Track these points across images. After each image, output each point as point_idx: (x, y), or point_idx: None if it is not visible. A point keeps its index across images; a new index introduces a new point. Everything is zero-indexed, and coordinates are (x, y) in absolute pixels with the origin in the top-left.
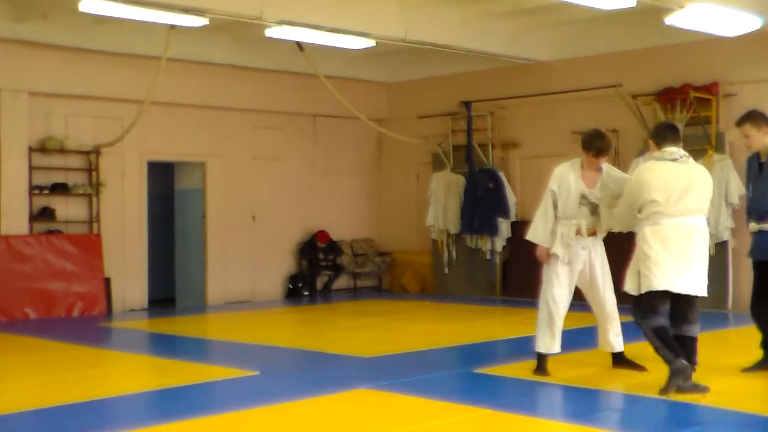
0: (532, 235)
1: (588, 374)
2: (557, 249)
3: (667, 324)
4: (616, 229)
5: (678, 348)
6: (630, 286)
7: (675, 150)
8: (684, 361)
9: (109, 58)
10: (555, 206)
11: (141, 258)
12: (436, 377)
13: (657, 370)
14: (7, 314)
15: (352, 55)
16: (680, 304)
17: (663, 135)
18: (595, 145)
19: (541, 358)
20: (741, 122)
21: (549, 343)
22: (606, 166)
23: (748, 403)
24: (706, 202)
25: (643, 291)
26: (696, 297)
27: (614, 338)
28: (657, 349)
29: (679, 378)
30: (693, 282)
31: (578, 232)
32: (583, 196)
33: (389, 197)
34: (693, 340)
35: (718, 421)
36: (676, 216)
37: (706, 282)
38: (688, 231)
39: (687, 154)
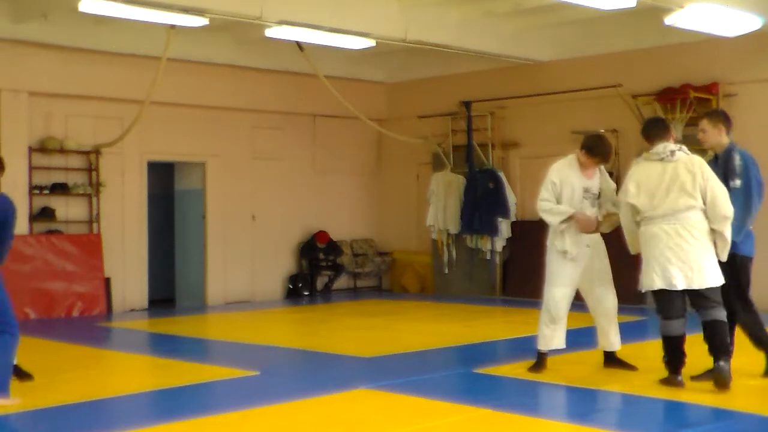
0: (558, 216)
1: (587, 374)
2: (566, 245)
3: (678, 332)
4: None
5: (680, 362)
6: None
7: (661, 148)
8: (680, 379)
9: (109, 58)
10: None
11: (141, 258)
12: (436, 377)
13: (651, 370)
14: None
15: (352, 55)
16: (692, 297)
17: (649, 132)
18: (601, 151)
19: (541, 357)
20: (700, 118)
21: (548, 340)
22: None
23: (748, 403)
24: (692, 196)
25: (643, 290)
26: (707, 288)
27: (614, 337)
28: (664, 356)
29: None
30: (690, 276)
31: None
32: (586, 190)
33: (389, 197)
34: (721, 324)
35: (718, 421)
36: (663, 216)
37: (711, 272)
38: (677, 229)
39: (676, 148)
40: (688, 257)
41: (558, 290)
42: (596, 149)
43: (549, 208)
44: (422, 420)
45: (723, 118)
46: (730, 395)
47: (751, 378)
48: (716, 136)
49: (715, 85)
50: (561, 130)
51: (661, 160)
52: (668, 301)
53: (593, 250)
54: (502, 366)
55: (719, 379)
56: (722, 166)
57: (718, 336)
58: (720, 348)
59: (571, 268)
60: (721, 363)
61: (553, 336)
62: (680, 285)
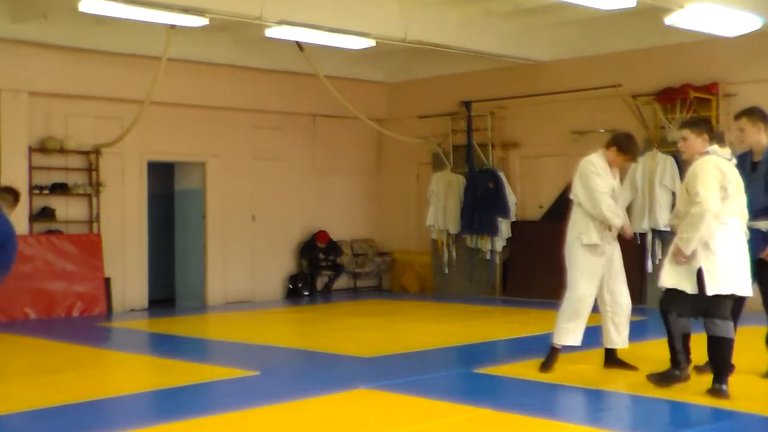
0: (619, 218)
1: (588, 374)
2: (595, 239)
3: (690, 330)
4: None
5: (687, 358)
6: (673, 282)
7: (722, 150)
8: (687, 373)
9: (109, 58)
10: None
11: (141, 258)
12: (436, 377)
13: (652, 370)
14: (7, 314)
15: (352, 55)
16: (712, 304)
17: (714, 130)
18: (632, 150)
19: (553, 352)
20: (738, 116)
21: (566, 335)
22: None
23: (748, 403)
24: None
25: (710, 293)
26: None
27: (625, 335)
28: (673, 349)
29: (669, 383)
30: (749, 282)
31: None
32: (613, 190)
33: (389, 197)
34: (730, 343)
35: (718, 421)
36: (733, 217)
37: None
38: (741, 232)
39: None
40: (747, 262)
41: (584, 287)
42: (627, 148)
43: (610, 204)
44: (422, 420)
45: (762, 116)
46: (731, 395)
47: (752, 378)
48: (755, 135)
49: (715, 85)
50: (561, 130)
51: (729, 160)
52: (687, 302)
53: (613, 247)
54: (502, 366)
55: (718, 397)
56: (766, 167)
57: (726, 356)
58: (724, 369)
59: (597, 263)
60: (723, 386)
61: (572, 332)
62: (747, 292)
